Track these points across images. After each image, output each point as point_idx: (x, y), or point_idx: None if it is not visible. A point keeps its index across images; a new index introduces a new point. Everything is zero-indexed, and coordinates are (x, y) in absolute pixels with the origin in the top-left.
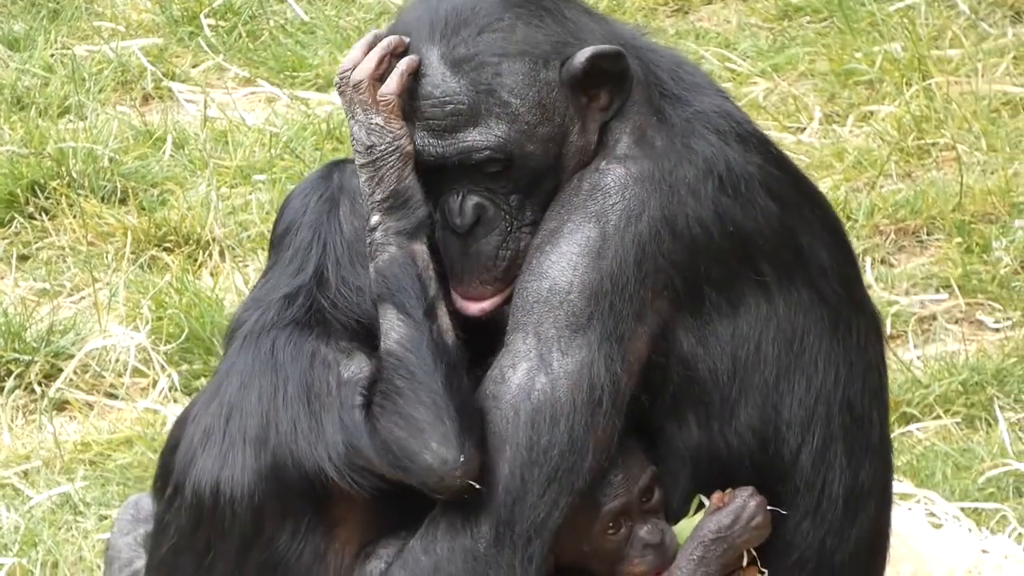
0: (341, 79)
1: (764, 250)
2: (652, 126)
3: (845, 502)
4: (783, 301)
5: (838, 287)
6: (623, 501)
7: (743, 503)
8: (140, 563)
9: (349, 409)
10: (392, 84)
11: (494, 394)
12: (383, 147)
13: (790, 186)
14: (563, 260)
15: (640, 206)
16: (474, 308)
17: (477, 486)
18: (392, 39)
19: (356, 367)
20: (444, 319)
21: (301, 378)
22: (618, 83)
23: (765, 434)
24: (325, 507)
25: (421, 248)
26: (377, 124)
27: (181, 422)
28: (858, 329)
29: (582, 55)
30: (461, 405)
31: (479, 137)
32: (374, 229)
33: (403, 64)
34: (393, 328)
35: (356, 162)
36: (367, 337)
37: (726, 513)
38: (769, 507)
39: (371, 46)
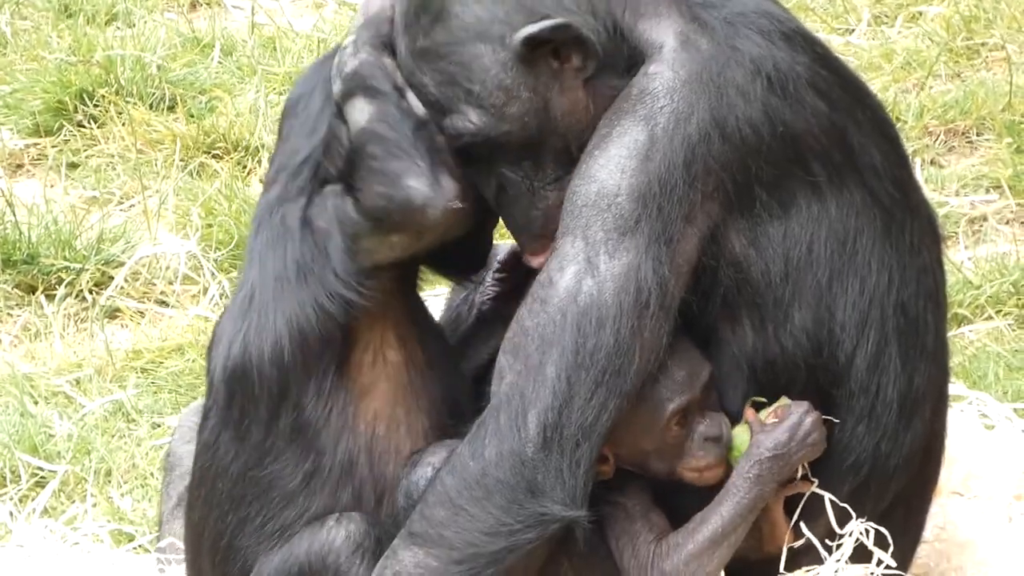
0: None
1: (815, 150)
2: (694, 31)
3: (900, 406)
4: (835, 202)
5: (892, 189)
6: (688, 398)
7: (799, 419)
8: None
9: (336, 205)
10: None
11: (541, 297)
12: None
13: (839, 86)
14: (611, 163)
15: (689, 108)
16: (534, 262)
17: (460, 204)
18: None
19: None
20: (414, 100)
21: (301, 223)
22: (581, 45)
23: (819, 337)
24: (347, 368)
25: (391, 61)
26: None
27: (223, 313)
28: (912, 231)
29: (517, 37)
30: (431, 148)
31: (456, 124)
32: (344, 48)
33: None
34: (360, 111)
35: None
36: None
37: (783, 430)
38: (824, 417)
39: None
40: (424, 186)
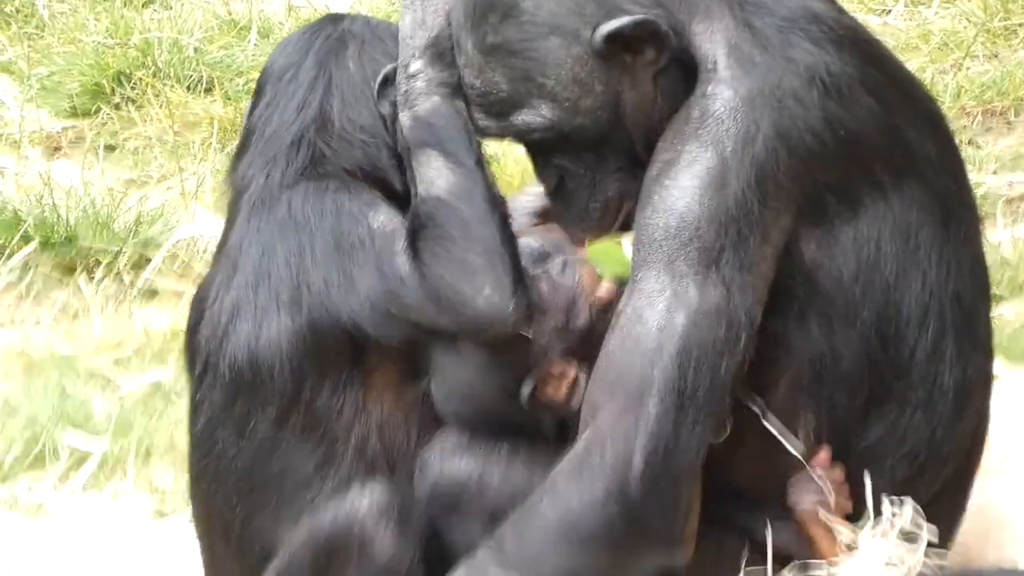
0: None
1: (874, 149)
2: (746, 40)
3: (955, 395)
4: (897, 199)
5: (947, 180)
6: None
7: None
8: None
9: (389, 257)
10: None
11: (634, 335)
12: None
13: (888, 83)
14: (687, 194)
15: (754, 127)
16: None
17: (528, 335)
18: None
19: (385, 217)
20: (490, 171)
21: (329, 234)
22: (656, 40)
23: (886, 332)
24: (360, 358)
25: (463, 105)
26: None
27: (199, 301)
28: (965, 222)
29: (600, 33)
30: (513, 255)
31: (527, 119)
32: (413, 76)
33: None
34: (441, 176)
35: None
36: (369, 183)
37: None
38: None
39: None
40: (501, 300)
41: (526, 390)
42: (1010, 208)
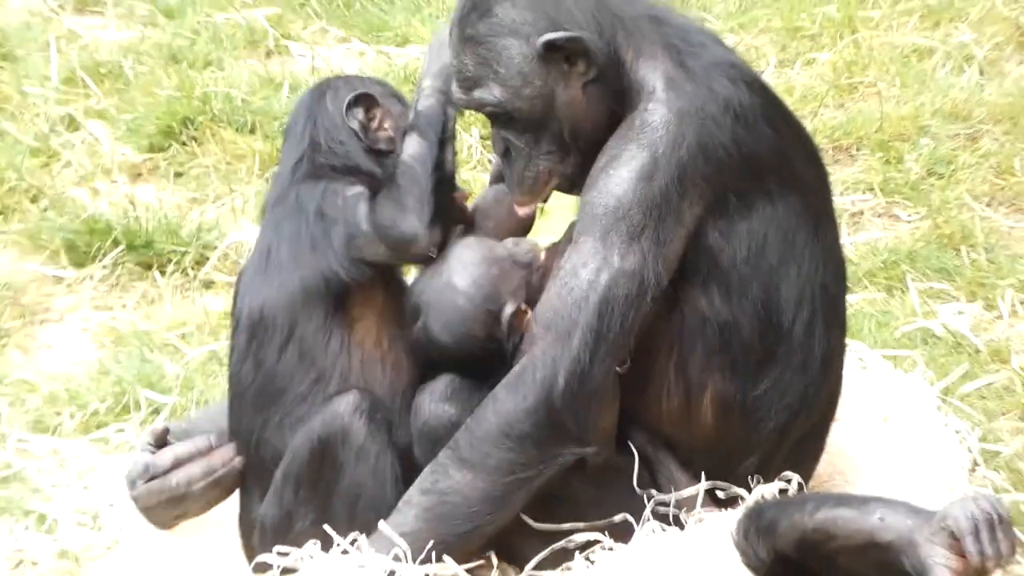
0: None
1: (767, 167)
2: (680, 75)
3: (822, 361)
4: (782, 206)
5: (818, 199)
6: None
7: None
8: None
9: (353, 211)
10: None
11: (569, 285)
12: (442, 36)
13: (782, 119)
14: (624, 183)
15: (681, 137)
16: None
17: (434, 255)
18: None
19: (357, 189)
20: (450, 153)
21: (316, 208)
22: (587, 55)
23: (769, 307)
24: (343, 307)
25: (453, 112)
26: None
27: (240, 277)
28: (830, 230)
29: (541, 40)
30: (440, 203)
31: (482, 95)
32: (424, 88)
33: None
34: (410, 146)
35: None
36: (353, 173)
37: None
38: None
39: None
40: (420, 228)
41: (509, 310)
42: (852, 220)
